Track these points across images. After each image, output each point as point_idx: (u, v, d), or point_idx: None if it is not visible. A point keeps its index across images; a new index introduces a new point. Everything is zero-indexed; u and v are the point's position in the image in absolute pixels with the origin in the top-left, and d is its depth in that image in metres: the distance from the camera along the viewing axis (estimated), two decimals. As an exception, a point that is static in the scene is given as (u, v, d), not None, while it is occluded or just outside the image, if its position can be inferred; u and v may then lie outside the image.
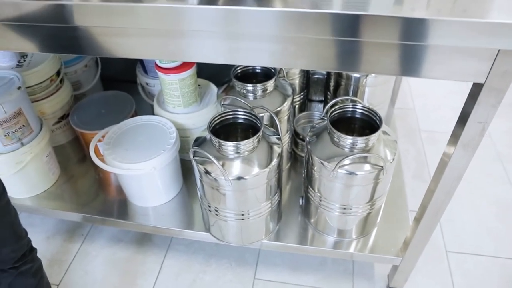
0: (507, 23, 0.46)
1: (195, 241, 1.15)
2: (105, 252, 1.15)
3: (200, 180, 0.83)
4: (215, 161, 0.76)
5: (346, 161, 0.77)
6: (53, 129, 1.18)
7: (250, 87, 0.93)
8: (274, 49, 0.57)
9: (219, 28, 0.55)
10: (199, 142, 0.83)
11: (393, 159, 0.79)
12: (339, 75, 1.09)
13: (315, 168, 0.83)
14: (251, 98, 0.94)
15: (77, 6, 0.55)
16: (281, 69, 1.07)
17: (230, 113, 0.85)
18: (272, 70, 0.97)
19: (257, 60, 0.60)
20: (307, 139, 0.85)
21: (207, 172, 0.79)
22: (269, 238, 0.95)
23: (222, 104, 0.95)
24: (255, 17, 0.52)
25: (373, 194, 0.83)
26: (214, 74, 1.14)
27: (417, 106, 1.63)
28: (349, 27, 0.51)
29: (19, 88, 0.94)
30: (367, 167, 0.78)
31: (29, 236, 0.81)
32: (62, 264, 1.12)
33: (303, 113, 1.19)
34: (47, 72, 1.10)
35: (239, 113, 0.85)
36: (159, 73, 0.98)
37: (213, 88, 1.12)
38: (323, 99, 1.31)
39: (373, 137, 0.77)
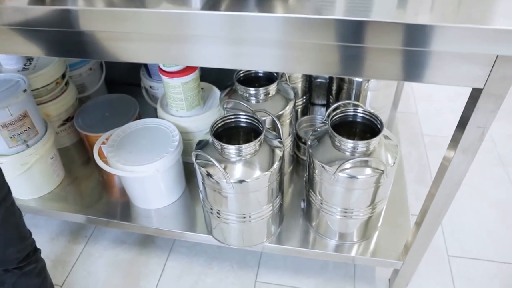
0: (507, 29, 0.47)
1: (197, 243, 1.16)
2: (108, 253, 1.16)
3: (202, 182, 0.84)
4: (217, 164, 0.77)
5: (347, 165, 0.78)
6: (58, 131, 1.19)
7: (252, 91, 0.94)
8: (278, 54, 0.58)
9: (223, 34, 0.55)
10: (202, 145, 0.84)
11: (394, 163, 0.80)
12: (341, 79, 1.10)
13: (316, 171, 0.83)
14: (253, 101, 0.95)
15: (82, 11, 0.56)
16: (283, 73, 1.08)
17: (232, 116, 0.86)
18: (275, 74, 0.98)
19: (261, 65, 0.60)
20: (309, 143, 0.85)
21: (209, 175, 0.79)
22: (271, 241, 0.95)
23: (225, 108, 0.96)
24: (259, 23, 0.53)
25: (374, 198, 0.84)
26: (217, 78, 1.15)
27: (420, 110, 1.63)
28: (352, 33, 0.51)
29: (25, 91, 0.95)
30: (368, 171, 0.78)
31: (33, 237, 0.82)
32: (65, 265, 1.13)
33: (306, 117, 1.19)
34: (52, 75, 1.11)
35: (241, 116, 0.86)
36: (163, 77, 0.99)
37: (216, 91, 1.13)
38: (325, 103, 1.31)
39: (374, 141, 0.78)
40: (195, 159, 0.82)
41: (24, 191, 1.07)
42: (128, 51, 0.62)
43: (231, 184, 0.78)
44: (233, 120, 0.86)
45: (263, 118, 0.92)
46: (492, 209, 1.23)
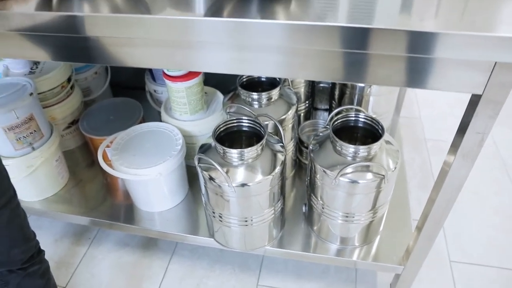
0: (505, 37, 0.47)
1: (199, 247, 1.16)
2: (111, 255, 1.16)
3: (204, 186, 0.85)
4: (219, 168, 0.77)
5: (348, 170, 0.78)
6: (63, 134, 1.21)
7: (255, 95, 0.94)
8: (281, 60, 0.58)
9: (227, 40, 0.56)
10: (204, 149, 0.85)
11: (395, 168, 0.80)
12: (344, 85, 1.11)
13: (318, 176, 0.84)
14: (256, 106, 0.96)
15: (88, 17, 0.57)
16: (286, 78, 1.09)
17: (235, 121, 0.87)
18: (277, 79, 0.99)
19: (264, 71, 0.61)
20: (310, 147, 0.86)
21: (211, 178, 0.80)
22: (273, 245, 0.96)
23: (228, 112, 0.97)
24: (263, 29, 0.53)
25: (375, 203, 0.84)
26: (221, 82, 1.16)
27: (423, 115, 1.64)
28: (356, 40, 0.51)
29: (31, 94, 0.96)
30: (369, 175, 0.79)
31: (37, 238, 0.83)
32: (69, 267, 1.14)
33: (308, 121, 1.20)
34: (58, 78, 1.13)
35: (243, 121, 0.87)
36: (167, 81, 1.00)
37: (220, 96, 1.14)
38: (328, 107, 1.32)
39: (375, 146, 0.78)
40: (198, 163, 0.83)
41: (29, 193, 1.08)
42: (133, 56, 0.63)
43: (233, 188, 0.79)
44: (235, 124, 0.87)
45: (266, 123, 0.93)
46: (496, 215, 1.23)
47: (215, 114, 1.08)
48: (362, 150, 0.78)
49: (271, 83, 1.01)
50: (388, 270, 0.95)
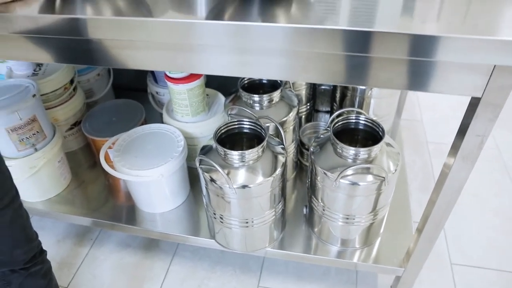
0: (504, 40, 0.48)
1: (200, 248, 1.17)
2: (113, 256, 1.17)
3: (205, 187, 0.85)
4: (220, 169, 0.78)
5: (349, 172, 0.79)
6: (65, 135, 1.21)
7: (256, 97, 0.95)
8: (283, 63, 0.58)
9: (229, 43, 0.56)
10: (206, 150, 0.86)
11: (396, 170, 0.81)
12: (345, 87, 1.11)
13: (318, 178, 0.84)
14: (257, 108, 0.97)
15: (90, 20, 0.58)
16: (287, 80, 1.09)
17: (236, 123, 0.87)
18: (279, 81, 0.99)
19: (266, 74, 0.61)
20: (311, 149, 0.86)
21: (212, 180, 0.81)
22: (273, 246, 0.96)
23: (229, 114, 0.98)
24: (265, 32, 0.53)
25: (375, 205, 0.84)
26: (222, 84, 1.17)
27: (425, 117, 1.64)
28: (358, 43, 0.52)
29: (34, 95, 0.97)
30: (369, 177, 0.79)
31: (40, 239, 0.83)
32: (71, 267, 1.15)
33: (309, 124, 1.20)
34: (61, 80, 1.14)
35: (245, 123, 0.87)
36: (168, 83, 1.01)
37: (221, 98, 1.15)
38: (329, 109, 1.32)
39: (375, 148, 0.79)
40: (199, 164, 0.83)
41: (32, 193, 1.09)
42: (135, 59, 0.63)
43: (234, 190, 0.79)
44: (236, 126, 0.87)
45: (267, 125, 0.94)
46: (497, 217, 1.23)
47: (216, 116, 1.08)
48: (363, 152, 0.78)
49: (272, 85, 1.01)
50: (389, 272, 0.95)
